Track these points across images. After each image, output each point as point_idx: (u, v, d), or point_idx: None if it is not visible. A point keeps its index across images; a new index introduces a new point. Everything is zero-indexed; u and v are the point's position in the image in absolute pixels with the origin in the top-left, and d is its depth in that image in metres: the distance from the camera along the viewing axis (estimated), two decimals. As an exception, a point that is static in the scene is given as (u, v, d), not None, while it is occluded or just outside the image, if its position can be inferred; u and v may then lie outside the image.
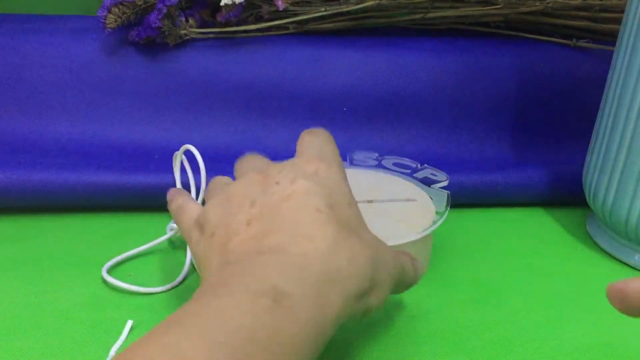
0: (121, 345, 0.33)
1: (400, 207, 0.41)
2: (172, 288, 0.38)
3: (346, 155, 0.45)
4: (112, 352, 0.32)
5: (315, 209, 0.24)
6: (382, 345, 0.33)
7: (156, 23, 0.49)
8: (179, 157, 0.44)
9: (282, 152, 0.52)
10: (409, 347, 0.33)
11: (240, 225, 0.25)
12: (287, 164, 0.28)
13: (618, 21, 0.44)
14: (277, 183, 0.26)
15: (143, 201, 0.47)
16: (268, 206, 0.25)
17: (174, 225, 0.42)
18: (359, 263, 0.24)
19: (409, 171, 0.44)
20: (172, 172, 0.46)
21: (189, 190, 0.44)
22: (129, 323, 0.34)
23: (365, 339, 0.33)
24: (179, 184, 0.44)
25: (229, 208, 0.26)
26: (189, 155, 0.43)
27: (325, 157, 0.28)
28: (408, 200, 0.42)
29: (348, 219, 0.26)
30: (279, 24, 0.53)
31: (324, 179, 0.26)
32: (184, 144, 0.43)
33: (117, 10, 0.50)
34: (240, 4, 0.51)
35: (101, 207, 0.47)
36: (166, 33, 0.51)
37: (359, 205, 0.41)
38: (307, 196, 0.25)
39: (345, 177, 0.28)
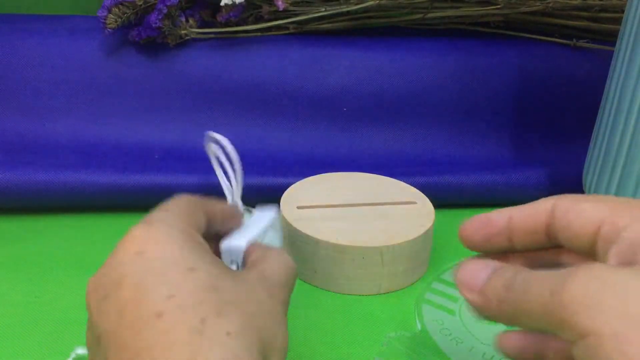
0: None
1: (400, 209, 0.41)
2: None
3: None
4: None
5: (155, 313, 0.20)
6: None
7: (156, 23, 0.49)
8: (212, 151, 0.37)
9: (282, 152, 0.52)
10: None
11: None
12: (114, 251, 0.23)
13: (618, 21, 0.44)
14: (104, 298, 0.21)
15: (143, 201, 0.47)
16: (113, 337, 0.20)
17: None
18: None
19: None
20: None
21: (223, 192, 0.38)
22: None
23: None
24: (222, 179, 0.38)
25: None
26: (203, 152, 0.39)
27: (152, 220, 0.24)
28: (408, 202, 0.42)
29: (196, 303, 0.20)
30: (279, 24, 0.53)
31: (152, 260, 0.21)
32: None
33: (117, 10, 0.50)
34: (241, 4, 0.51)
35: (101, 208, 0.47)
36: (166, 33, 0.51)
37: (362, 208, 0.41)
38: (141, 304, 0.20)
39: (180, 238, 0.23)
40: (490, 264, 0.22)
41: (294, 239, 0.39)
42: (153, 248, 0.22)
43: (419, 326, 0.35)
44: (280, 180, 0.46)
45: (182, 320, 0.19)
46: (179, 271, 0.21)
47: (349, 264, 0.37)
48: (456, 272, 0.23)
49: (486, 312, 0.22)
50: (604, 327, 0.17)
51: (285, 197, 0.42)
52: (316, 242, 0.37)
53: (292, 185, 0.44)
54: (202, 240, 0.24)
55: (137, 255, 0.22)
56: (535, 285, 0.19)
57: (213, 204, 0.27)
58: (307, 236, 0.38)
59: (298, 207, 0.41)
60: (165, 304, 0.20)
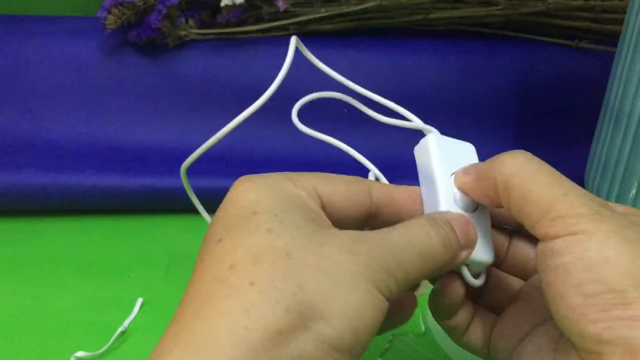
0: (109, 346, 0.33)
1: None
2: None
3: None
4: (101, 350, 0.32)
5: (200, 259, 0.20)
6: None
7: (156, 24, 0.49)
8: None
9: (282, 153, 0.51)
10: (411, 349, 0.33)
11: None
12: None
13: (619, 22, 0.44)
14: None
15: (142, 203, 0.46)
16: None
17: None
18: None
19: None
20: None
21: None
22: (126, 323, 0.34)
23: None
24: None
25: None
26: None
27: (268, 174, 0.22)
28: None
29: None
30: (280, 25, 0.53)
31: (232, 206, 0.21)
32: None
33: (116, 11, 0.49)
34: (241, 4, 0.50)
35: (100, 210, 0.47)
36: (166, 34, 0.51)
37: None
38: (203, 250, 0.21)
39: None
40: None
41: None
42: (242, 195, 0.21)
43: (422, 328, 0.34)
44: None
45: (214, 265, 0.19)
46: (241, 214, 0.20)
47: None
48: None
49: (478, 193, 0.23)
50: (597, 231, 0.19)
51: None
52: None
53: None
54: (303, 197, 0.21)
55: (229, 201, 0.21)
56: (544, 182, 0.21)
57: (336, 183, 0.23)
58: None
59: None
60: (214, 248, 0.19)
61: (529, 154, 0.23)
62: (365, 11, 0.53)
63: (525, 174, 0.21)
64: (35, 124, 0.51)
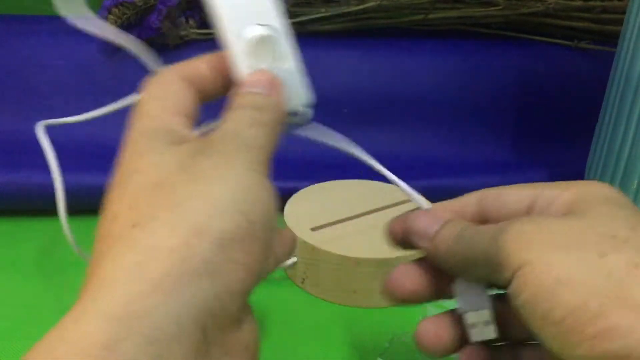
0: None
1: (398, 211, 0.41)
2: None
3: None
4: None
5: (100, 233, 0.21)
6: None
7: (156, 24, 0.49)
8: None
9: (281, 154, 0.51)
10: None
11: None
12: None
13: (619, 22, 0.44)
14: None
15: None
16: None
17: None
18: None
19: None
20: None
21: None
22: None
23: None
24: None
25: None
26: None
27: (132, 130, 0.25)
28: (403, 202, 0.41)
29: None
30: (280, 25, 0.53)
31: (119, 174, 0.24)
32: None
33: (117, 11, 0.49)
34: (241, 4, 0.50)
35: (100, 210, 0.47)
36: (166, 34, 0.51)
37: (373, 216, 0.40)
38: (100, 224, 0.22)
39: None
40: (440, 218, 0.24)
41: (321, 262, 0.37)
42: (125, 160, 0.22)
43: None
44: (279, 184, 0.46)
45: (100, 224, 0.20)
46: (125, 178, 0.21)
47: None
48: (408, 221, 0.25)
49: (436, 259, 0.23)
50: (536, 257, 0.19)
51: (289, 215, 0.40)
52: (356, 261, 0.36)
53: (290, 201, 0.42)
54: (178, 126, 0.23)
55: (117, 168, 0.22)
56: (480, 234, 0.21)
57: (196, 67, 0.25)
58: (345, 257, 0.36)
59: (312, 229, 0.39)
60: (105, 220, 0.20)
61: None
62: (365, 11, 0.53)
63: (448, 247, 0.22)
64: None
